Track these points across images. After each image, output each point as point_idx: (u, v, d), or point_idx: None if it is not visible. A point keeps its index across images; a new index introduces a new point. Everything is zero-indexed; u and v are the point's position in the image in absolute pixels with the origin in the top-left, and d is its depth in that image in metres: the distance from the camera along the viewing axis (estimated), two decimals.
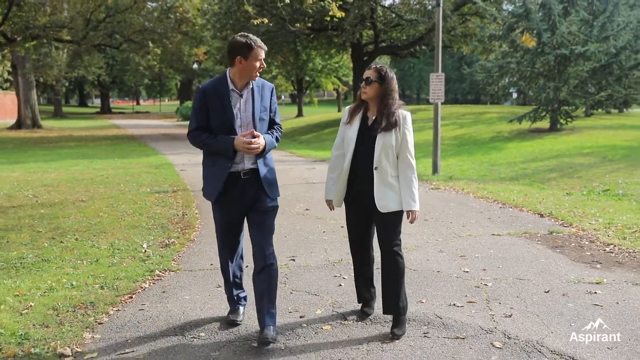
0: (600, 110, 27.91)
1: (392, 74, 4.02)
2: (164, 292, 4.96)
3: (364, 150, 3.99)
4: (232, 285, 4.31)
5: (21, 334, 3.94)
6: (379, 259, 4.25)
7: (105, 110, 64.38)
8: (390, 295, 4.05)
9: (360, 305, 4.43)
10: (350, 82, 49.52)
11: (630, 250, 6.17)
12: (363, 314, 4.34)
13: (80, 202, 9.47)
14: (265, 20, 13.24)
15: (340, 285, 5.13)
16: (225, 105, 3.84)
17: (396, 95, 4.00)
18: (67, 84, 57.81)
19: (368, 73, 4.02)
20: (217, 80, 3.94)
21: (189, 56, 41.45)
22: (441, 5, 13.27)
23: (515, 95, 57.09)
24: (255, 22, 13.51)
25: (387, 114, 3.94)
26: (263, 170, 3.95)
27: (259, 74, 3.91)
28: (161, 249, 6.44)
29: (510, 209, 8.79)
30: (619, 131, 20.45)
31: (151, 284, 5.18)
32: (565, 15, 21.52)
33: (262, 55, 3.85)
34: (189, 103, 48.77)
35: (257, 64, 3.83)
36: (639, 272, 5.42)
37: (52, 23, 24.84)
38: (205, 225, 7.73)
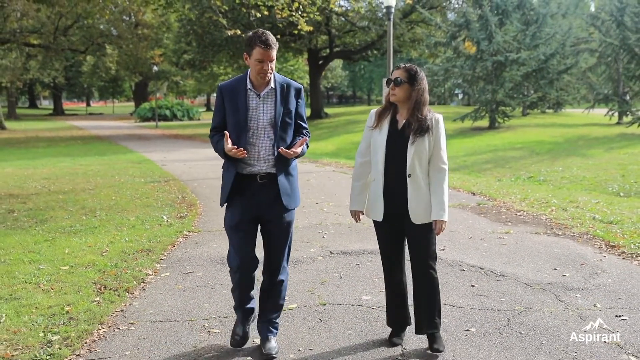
0: (536, 110, 30.73)
1: (422, 74, 3.75)
2: (196, 243, 6.77)
3: (395, 157, 3.70)
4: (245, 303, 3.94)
5: (111, 265, 5.70)
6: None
7: (59, 112, 64.41)
8: (423, 313, 3.79)
9: (390, 331, 4.00)
10: (305, 85, 51.47)
11: (534, 214, 8.28)
12: (391, 344, 3.90)
13: (89, 190, 11.07)
14: (238, 32, 14.98)
15: (323, 237, 7.02)
16: (239, 105, 3.59)
17: (427, 97, 3.77)
18: (20, 86, 57.96)
19: (397, 73, 3.71)
20: (237, 79, 3.70)
21: (147, 58, 42.62)
22: (392, 20, 15.33)
23: (460, 96, 60.28)
24: (229, 32, 15.26)
25: (420, 117, 3.67)
26: (282, 177, 3.66)
27: (267, 76, 3.56)
28: (178, 219, 8.19)
29: (450, 190, 10.81)
30: (549, 129, 23.09)
31: (184, 239, 6.97)
32: (500, 26, 24.07)
33: (268, 55, 3.49)
34: (147, 105, 49.77)
35: (260, 65, 3.51)
36: (537, 226, 7.50)
37: (22, 28, 25.94)
38: (206, 204, 9.48)
